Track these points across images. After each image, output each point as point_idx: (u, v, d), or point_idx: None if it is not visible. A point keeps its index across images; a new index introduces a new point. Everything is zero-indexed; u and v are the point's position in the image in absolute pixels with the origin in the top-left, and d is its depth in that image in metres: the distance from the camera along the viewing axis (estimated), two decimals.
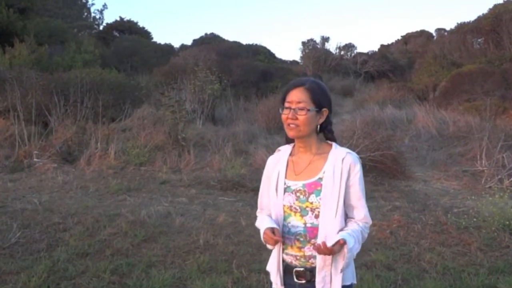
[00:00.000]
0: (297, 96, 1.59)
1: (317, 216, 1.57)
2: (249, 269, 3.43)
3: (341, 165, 1.59)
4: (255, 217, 1.78)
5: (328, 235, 1.54)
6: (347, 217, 1.63)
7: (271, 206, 1.68)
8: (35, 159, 7.23)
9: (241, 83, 15.95)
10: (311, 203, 1.58)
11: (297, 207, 1.60)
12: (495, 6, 15.71)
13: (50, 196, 5.58)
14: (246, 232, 4.26)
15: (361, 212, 1.61)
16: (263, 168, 1.79)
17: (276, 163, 1.71)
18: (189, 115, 10.44)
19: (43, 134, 7.98)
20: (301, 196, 1.60)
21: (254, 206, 5.28)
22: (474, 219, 4.41)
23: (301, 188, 1.61)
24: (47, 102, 8.65)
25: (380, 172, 6.18)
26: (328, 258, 1.55)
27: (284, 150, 1.74)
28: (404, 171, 6.48)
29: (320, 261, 1.56)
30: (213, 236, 4.15)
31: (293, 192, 1.61)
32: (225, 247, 3.90)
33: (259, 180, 1.81)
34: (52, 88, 9.02)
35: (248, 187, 5.81)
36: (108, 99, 9.44)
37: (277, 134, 9.63)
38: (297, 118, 1.58)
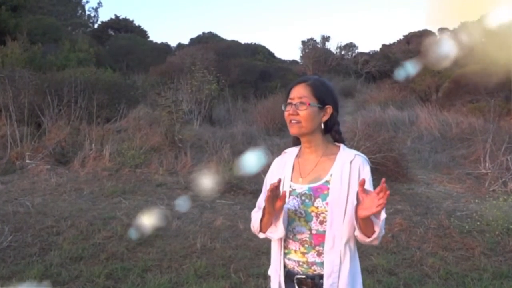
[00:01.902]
0: (298, 92, 1.55)
1: (321, 222, 1.50)
2: (247, 273, 3.39)
3: (349, 168, 1.52)
4: None
5: (335, 241, 1.48)
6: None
7: None
8: (27, 161, 7.11)
9: (239, 83, 15.88)
10: (317, 207, 1.51)
11: (302, 212, 1.53)
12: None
13: (43, 198, 5.49)
14: (244, 236, 4.21)
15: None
16: (261, 170, 1.71)
17: (281, 166, 1.65)
18: (186, 115, 10.36)
19: (35, 135, 7.85)
20: (307, 200, 1.53)
21: (252, 209, 5.19)
22: (478, 223, 4.37)
23: (307, 192, 1.54)
24: (40, 102, 8.54)
25: (381, 175, 6.10)
26: (336, 264, 1.48)
27: (290, 153, 1.67)
28: (406, 174, 6.40)
29: (327, 268, 1.49)
30: (210, 240, 4.10)
31: (298, 196, 1.54)
32: (222, 251, 3.86)
33: (257, 183, 1.73)
34: (45, 87, 8.90)
35: (246, 190, 5.73)
36: (103, 99, 9.33)
37: (276, 136, 9.57)
38: (298, 114, 1.53)
